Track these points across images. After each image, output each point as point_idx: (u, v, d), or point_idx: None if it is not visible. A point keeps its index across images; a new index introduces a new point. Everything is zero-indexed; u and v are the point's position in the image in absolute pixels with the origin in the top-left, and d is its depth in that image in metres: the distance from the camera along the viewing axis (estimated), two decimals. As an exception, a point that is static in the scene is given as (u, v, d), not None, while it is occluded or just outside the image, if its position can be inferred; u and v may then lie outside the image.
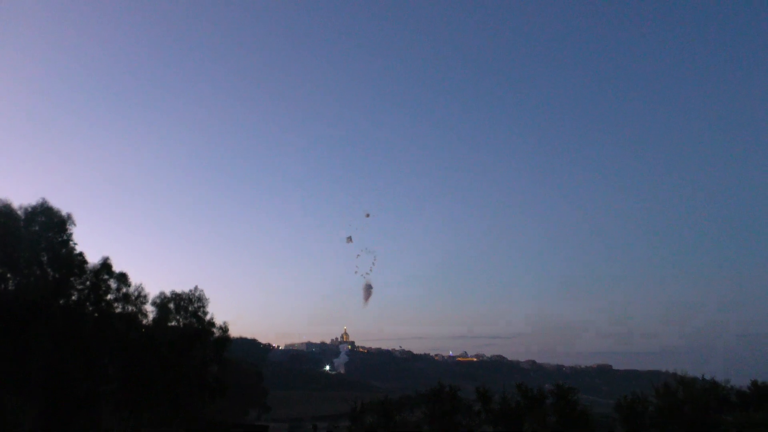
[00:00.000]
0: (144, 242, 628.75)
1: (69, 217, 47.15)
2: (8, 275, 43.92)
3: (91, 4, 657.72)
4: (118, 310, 51.24)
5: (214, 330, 57.32)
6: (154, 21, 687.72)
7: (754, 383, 52.05)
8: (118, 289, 51.07)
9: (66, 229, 46.61)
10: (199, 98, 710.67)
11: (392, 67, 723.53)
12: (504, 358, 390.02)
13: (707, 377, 47.18)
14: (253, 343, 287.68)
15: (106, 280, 50.14)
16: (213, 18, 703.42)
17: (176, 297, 56.54)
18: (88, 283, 48.83)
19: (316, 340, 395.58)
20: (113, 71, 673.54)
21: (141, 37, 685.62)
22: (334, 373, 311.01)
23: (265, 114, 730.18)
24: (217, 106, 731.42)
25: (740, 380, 46.10)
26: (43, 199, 46.42)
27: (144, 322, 54.03)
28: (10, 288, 43.69)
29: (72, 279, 47.51)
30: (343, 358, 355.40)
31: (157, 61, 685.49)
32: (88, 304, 49.13)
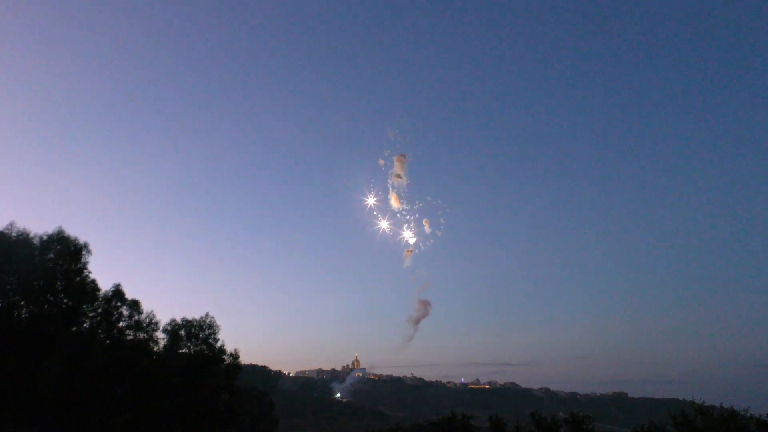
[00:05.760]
0: (155, 267, 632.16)
1: (85, 245, 47.82)
2: (22, 303, 44.30)
3: (110, 42, 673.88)
4: (130, 337, 51.15)
5: (225, 357, 56.99)
6: (176, 58, 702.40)
7: (775, 411, 50.53)
8: (130, 316, 51.10)
9: (81, 258, 47.11)
10: (210, 121, 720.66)
11: (449, 88, 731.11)
12: (517, 385, 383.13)
13: (726, 405, 45.99)
14: (264, 370, 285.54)
15: (118, 307, 50.26)
16: (233, 51, 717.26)
17: (187, 324, 56.40)
18: (99, 310, 48.97)
19: (327, 367, 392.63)
20: (123, 97, 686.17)
21: (155, 65, 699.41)
22: (345, 400, 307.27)
23: (279, 137, 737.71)
24: (229, 128, 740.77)
25: (760, 409, 44.83)
26: (60, 227, 47.27)
27: (155, 349, 53.93)
28: (23, 316, 44.03)
29: (84, 306, 47.72)
30: (354, 386, 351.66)
31: (166, 85, 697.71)
32: (99, 331, 49.19)
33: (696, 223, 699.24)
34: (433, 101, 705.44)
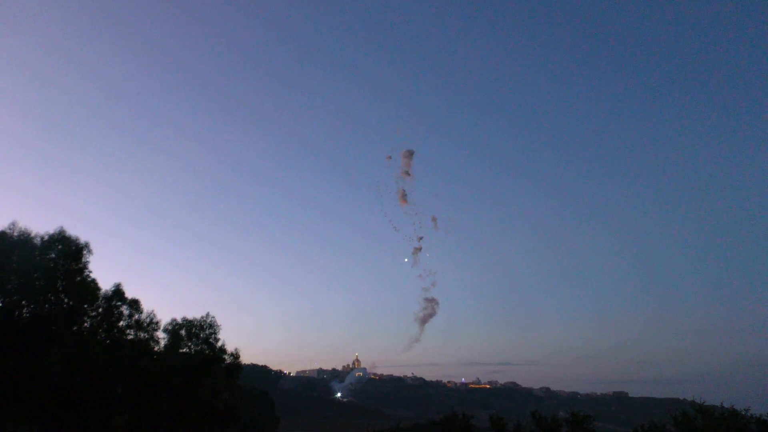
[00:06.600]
0: (155, 267, 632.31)
1: (86, 245, 47.98)
2: (23, 303, 44.36)
3: (111, 42, 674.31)
4: (130, 336, 51.23)
5: (226, 357, 57.03)
6: (179, 58, 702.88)
7: (775, 411, 50.38)
8: (131, 316, 51.18)
9: (81, 257, 47.21)
10: (211, 120, 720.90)
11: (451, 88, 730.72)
12: (518, 385, 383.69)
13: (726, 405, 45.89)
14: (265, 369, 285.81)
15: (118, 307, 50.35)
16: (235, 52, 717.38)
17: (188, 323, 56.44)
18: (100, 309, 49.06)
19: (328, 366, 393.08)
20: (124, 97, 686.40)
21: (155, 64, 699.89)
22: (345, 400, 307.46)
23: (279, 137, 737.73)
24: (230, 128, 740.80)
25: (760, 408, 44.77)
26: (61, 227, 47.54)
27: (156, 348, 53.96)
28: (24, 315, 44.09)
29: (85, 306, 47.78)
30: (354, 385, 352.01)
31: (166, 85, 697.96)
32: (100, 330, 49.24)
33: (696, 225, 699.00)
34: (439, 98, 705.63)
